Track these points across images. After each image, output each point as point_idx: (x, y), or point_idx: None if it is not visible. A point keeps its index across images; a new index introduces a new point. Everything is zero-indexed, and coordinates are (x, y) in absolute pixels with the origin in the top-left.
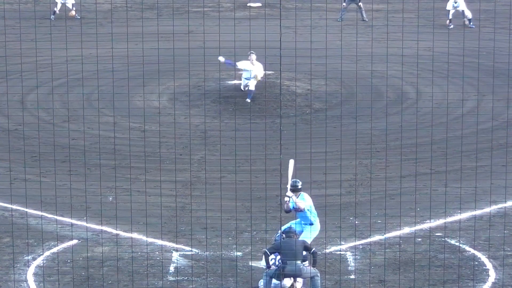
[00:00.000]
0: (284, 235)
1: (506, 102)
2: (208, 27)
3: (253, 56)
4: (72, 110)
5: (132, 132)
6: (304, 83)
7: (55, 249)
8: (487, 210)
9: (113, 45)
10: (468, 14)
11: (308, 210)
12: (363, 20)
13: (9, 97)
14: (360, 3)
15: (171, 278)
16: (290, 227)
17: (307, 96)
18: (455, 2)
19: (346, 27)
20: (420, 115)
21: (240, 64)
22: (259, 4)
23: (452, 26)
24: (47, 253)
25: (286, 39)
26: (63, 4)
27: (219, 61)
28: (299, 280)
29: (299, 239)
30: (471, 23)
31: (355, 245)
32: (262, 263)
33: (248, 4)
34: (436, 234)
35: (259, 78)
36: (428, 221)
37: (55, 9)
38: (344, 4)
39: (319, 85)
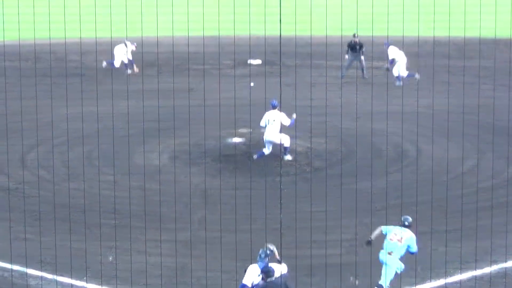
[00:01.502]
0: (264, 275)
1: (507, 160)
2: (208, 84)
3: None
4: (72, 169)
5: (132, 191)
6: (304, 141)
7: None
8: (487, 270)
9: (114, 102)
10: (402, 72)
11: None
12: (364, 78)
13: (9, 156)
14: (363, 59)
15: None
16: (268, 266)
17: (307, 154)
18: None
19: (346, 84)
20: (420, 173)
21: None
22: (259, 62)
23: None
24: None
25: (286, 97)
26: (109, 64)
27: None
28: None
29: None
30: (399, 81)
31: None
32: None
33: (248, 62)
34: None
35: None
36: (428, 281)
37: (106, 63)
38: (346, 56)
39: (319, 143)
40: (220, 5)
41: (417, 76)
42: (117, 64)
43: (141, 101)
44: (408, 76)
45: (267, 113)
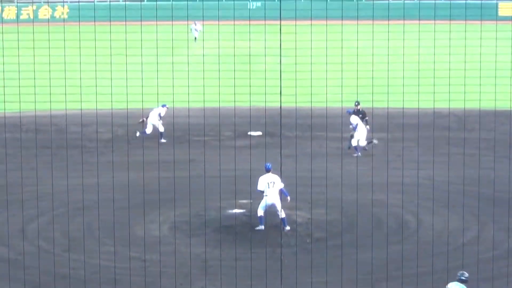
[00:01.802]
0: None
1: (507, 231)
2: (209, 155)
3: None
4: (72, 240)
5: (133, 262)
6: (304, 212)
7: None
8: None
9: (114, 174)
10: (361, 142)
11: None
12: (364, 149)
13: (9, 227)
14: (367, 128)
15: None
16: None
17: (308, 225)
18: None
19: (346, 156)
20: (421, 245)
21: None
22: (259, 133)
23: (357, 155)
24: None
25: (286, 168)
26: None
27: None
28: None
29: None
30: (357, 152)
31: None
32: None
33: (249, 133)
34: None
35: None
36: None
37: (139, 133)
38: (352, 126)
39: (320, 214)
40: (221, 77)
41: (375, 141)
42: (149, 131)
43: (141, 172)
44: (367, 144)
45: (262, 177)
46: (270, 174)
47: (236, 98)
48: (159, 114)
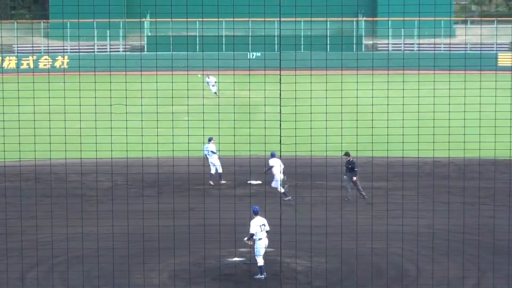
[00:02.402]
0: None
1: (507, 279)
2: (208, 204)
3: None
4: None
5: None
6: (304, 261)
7: None
8: None
9: (114, 222)
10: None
11: None
12: (363, 198)
13: (9, 275)
14: (356, 179)
15: None
16: None
17: (308, 274)
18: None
19: (346, 204)
20: None
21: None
22: (259, 182)
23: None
24: None
25: (286, 217)
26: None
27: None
28: None
29: None
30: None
31: None
32: None
33: (248, 182)
34: None
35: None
36: None
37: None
38: (345, 177)
39: (320, 263)
40: (221, 126)
41: (287, 199)
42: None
43: (141, 221)
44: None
45: (254, 220)
46: (259, 217)
47: (236, 147)
48: (212, 151)
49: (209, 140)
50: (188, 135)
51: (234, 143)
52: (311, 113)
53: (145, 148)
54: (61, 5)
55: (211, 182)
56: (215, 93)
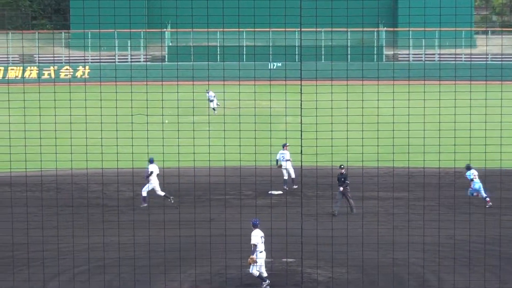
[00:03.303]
0: None
1: None
2: (229, 215)
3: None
4: None
5: None
6: (325, 271)
7: None
8: None
9: (135, 232)
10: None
11: None
12: (352, 213)
13: (30, 285)
14: (349, 197)
15: None
16: None
17: (329, 284)
18: None
19: (367, 214)
20: None
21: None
22: (280, 192)
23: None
24: None
25: (307, 227)
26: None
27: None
28: None
29: None
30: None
31: None
32: None
33: (269, 192)
34: None
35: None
36: None
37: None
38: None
39: (341, 273)
40: (242, 137)
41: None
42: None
43: (162, 231)
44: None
45: (254, 232)
46: (258, 229)
47: (257, 157)
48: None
49: (284, 146)
50: (209, 145)
51: (255, 153)
52: (331, 123)
53: (166, 158)
54: (82, 15)
55: (286, 187)
56: (213, 108)
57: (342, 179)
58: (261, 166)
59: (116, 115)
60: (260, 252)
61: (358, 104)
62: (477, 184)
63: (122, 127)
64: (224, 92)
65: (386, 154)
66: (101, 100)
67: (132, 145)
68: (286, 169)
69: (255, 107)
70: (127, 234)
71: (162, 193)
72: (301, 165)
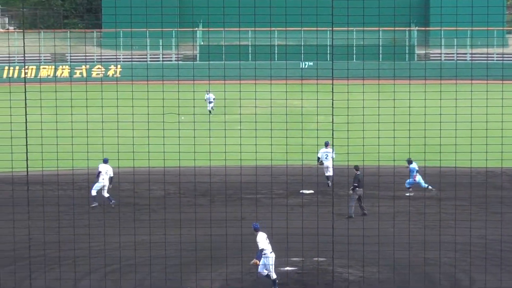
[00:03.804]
0: None
1: None
2: (260, 214)
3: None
4: None
5: None
6: (356, 270)
7: None
8: None
9: (166, 231)
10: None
11: None
12: (364, 215)
13: (61, 283)
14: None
15: None
16: None
17: (360, 283)
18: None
19: (398, 214)
20: None
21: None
22: (311, 191)
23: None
24: None
25: (338, 226)
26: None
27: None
28: None
29: None
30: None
31: None
32: None
33: (301, 191)
34: None
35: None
36: None
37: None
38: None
39: (372, 272)
40: (273, 136)
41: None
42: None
43: (193, 230)
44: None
45: (259, 235)
46: (261, 232)
47: (288, 156)
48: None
49: (326, 144)
50: (241, 144)
51: (286, 152)
52: (363, 122)
53: (197, 157)
54: (114, 14)
55: (329, 183)
56: (209, 110)
57: (361, 180)
58: (293, 165)
59: (148, 114)
60: (271, 252)
61: (389, 104)
62: (418, 177)
63: (153, 126)
64: (255, 91)
65: (418, 154)
66: (132, 99)
67: (164, 144)
68: (327, 167)
69: (286, 106)
70: (158, 233)
71: (107, 195)
72: (333, 165)
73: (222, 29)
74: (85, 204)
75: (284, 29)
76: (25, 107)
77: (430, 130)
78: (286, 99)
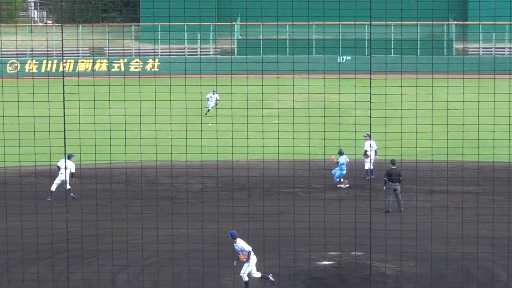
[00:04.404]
0: None
1: None
2: (297, 208)
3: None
4: None
5: None
6: (394, 265)
7: None
8: None
9: (204, 225)
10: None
11: None
12: (400, 211)
13: (99, 276)
14: (399, 189)
15: None
16: None
17: (397, 278)
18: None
19: (436, 208)
20: None
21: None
22: (349, 186)
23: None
24: None
25: (375, 220)
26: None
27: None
28: None
29: None
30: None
31: None
32: None
33: (338, 186)
34: None
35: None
36: None
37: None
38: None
39: (409, 267)
40: (311, 130)
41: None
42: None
43: (231, 224)
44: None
45: (240, 240)
46: (239, 238)
47: (326, 150)
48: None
49: (368, 136)
50: (278, 138)
51: (324, 146)
52: (401, 117)
53: (235, 151)
54: (152, 8)
55: (373, 176)
56: (208, 110)
57: (394, 175)
58: (330, 160)
59: (186, 108)
60: (253, 254)
61: (427, 98)
62: (345, 170)
63: (191, 120)
64: (293, 86)
65: (456, 148)
66: (170, 92)
67: (202, 138)
68: (371, 159)
69: (324, 101)
70: (195, 227)
71: (69, 187)
72: (371, 159)
73: (260, 23)
74: (123, 198)
75: (322, 23)
76: (63, 101)
77: (468, 124)
78: (324, 93)
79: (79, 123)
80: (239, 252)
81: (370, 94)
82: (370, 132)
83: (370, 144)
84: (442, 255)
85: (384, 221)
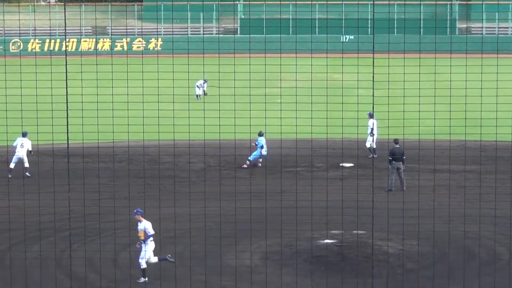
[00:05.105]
0: None
1: None
2: (300, 186)
3: None
4: (164, 269)
5: None
6: (396, 243)
7: None
8: None
9: (206, 204)
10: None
11: None
12: (402, 190)
13: (101, 255)
14: (402, 169)
15: None
16: None
17: (400, 256)
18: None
19: (438, 187)
20: None
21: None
22: (351, 164)
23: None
24: None
25: (378, 200)
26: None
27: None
28: None
29: None
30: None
31: None
32: None
33: (341, 164)
34: None
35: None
36: None
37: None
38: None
39: (412, 245)
40: (313, 109)
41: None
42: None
43: (233, 203)
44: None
45: (147, 221)
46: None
47: (328, 130)
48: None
49: (371, 115)
50: (281, 117)
51: (327, 125)
52: (403, 96)
53: (238, 130)
54: None
55: (375, 155)
56: (197, 95)
57: (397, 153)
58: (333, 139)
59: (188, 87)
60: (152, 241)
61: (430, 78)
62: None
63: (193, 98)
64: (296, 65)
65: (458, 127)
66: (173, 72)
67: (204, 117)
68: (373, 136)
69: (327, 80)
70: (198, 206)
71: (27, 165)
72: (373, 138)
73: (263, 2)
74: (126, 176)
75: (325, 2)
76: (66, 80)
77: (470, 104)
78: (327, 72)
79: (82, 102)
80: (140, 231)
81: (373, 74)
82: (373, 112)
83: (373, 122)
84: (444, 234)
85: (387, 200)
